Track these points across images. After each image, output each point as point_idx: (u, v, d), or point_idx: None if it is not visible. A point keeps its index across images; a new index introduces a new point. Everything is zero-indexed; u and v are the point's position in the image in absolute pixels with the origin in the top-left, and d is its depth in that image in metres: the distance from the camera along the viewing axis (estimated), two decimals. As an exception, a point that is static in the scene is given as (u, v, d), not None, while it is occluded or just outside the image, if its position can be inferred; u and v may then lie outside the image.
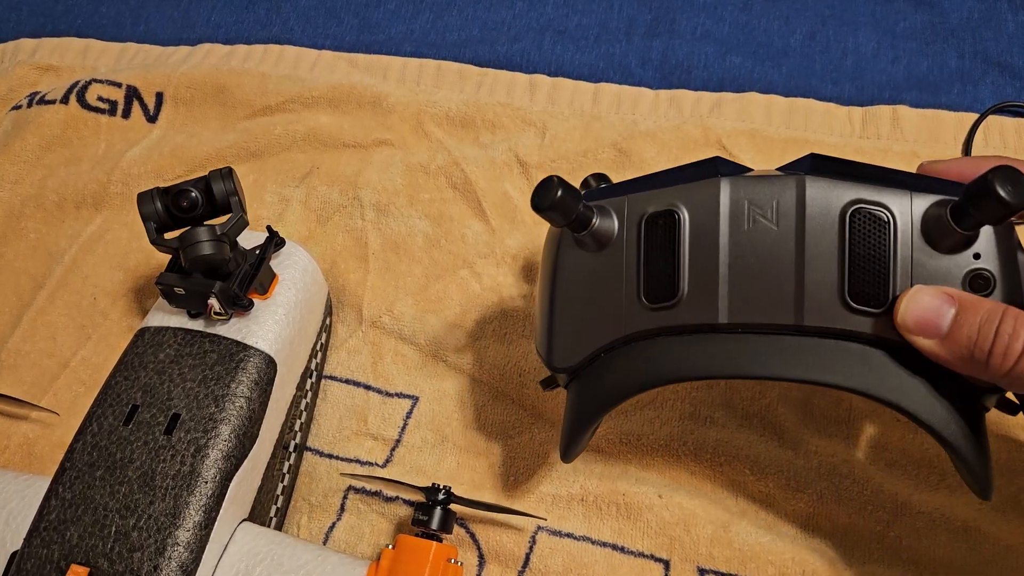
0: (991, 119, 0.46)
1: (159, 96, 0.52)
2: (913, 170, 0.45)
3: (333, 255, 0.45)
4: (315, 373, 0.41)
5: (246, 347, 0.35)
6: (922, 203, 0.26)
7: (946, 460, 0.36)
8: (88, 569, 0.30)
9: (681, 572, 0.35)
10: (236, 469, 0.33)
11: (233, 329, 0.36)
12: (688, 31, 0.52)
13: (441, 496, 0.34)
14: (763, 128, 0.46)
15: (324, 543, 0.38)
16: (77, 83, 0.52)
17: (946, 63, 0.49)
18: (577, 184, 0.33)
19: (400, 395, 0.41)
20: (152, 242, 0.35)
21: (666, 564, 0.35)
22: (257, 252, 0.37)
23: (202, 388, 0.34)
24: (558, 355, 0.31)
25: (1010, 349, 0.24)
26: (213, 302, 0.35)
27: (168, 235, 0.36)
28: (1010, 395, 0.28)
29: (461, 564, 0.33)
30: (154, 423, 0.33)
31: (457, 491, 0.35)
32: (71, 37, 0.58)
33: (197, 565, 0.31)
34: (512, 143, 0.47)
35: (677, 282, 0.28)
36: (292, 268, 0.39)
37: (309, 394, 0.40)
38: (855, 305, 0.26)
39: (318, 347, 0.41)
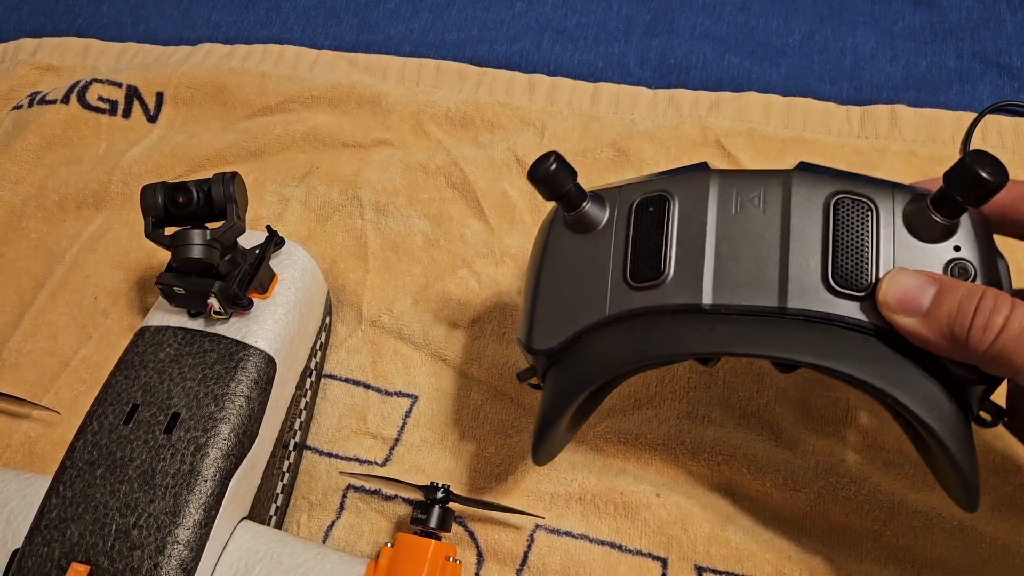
0: (989, 118, 0.46)
1: (159, 96, 0.52)
2: (911, 168, 0.45)
3: (333, 254, 0.45)
4: (315, 372, 0.41)
5: (246, 346, 0.35)
6: (903, 196, 0.27)
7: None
8: (89, 567, 0.30)
9: (679, 570, 0.35)
10: (236, 468, 0.33)
11: (233, 328, 0.36)
12: (687, 30, 0.52)
13: (440, 495, 0.34)
14: (761, 127, 0.46)
15: (323, 541, 0.38)
16: (78, 83, 0.52)
17: (945, 63, 0.49)
18: None
19: (399, 394, 0.41)
20: (147, 235, 0.35)
21: (664, 562, 0.35)
22: (257, 252, 0.37)
23: (202, 387, 0.34)
24: (537, 337, 0.30)
25: (990, 323, 0.24)
26: (213, 302, 0.35)
27: (168, 231, 0.36)
28: (994, 397, 0.28)
29: (460, 562, 0.34)
30: (154, 422, 0.33)
31: (456, 490, 0.35)
32: (72, 37, 0.58)
33: (197, 563, 0.31)
34: (511, 143, 0.47)
35: (663, 261, 0.28)
36: (292, 267, 0.39)
37: (309, 393, 0.40)
38: (838, 288, 0.27)
39: (318, 346, 0.41)
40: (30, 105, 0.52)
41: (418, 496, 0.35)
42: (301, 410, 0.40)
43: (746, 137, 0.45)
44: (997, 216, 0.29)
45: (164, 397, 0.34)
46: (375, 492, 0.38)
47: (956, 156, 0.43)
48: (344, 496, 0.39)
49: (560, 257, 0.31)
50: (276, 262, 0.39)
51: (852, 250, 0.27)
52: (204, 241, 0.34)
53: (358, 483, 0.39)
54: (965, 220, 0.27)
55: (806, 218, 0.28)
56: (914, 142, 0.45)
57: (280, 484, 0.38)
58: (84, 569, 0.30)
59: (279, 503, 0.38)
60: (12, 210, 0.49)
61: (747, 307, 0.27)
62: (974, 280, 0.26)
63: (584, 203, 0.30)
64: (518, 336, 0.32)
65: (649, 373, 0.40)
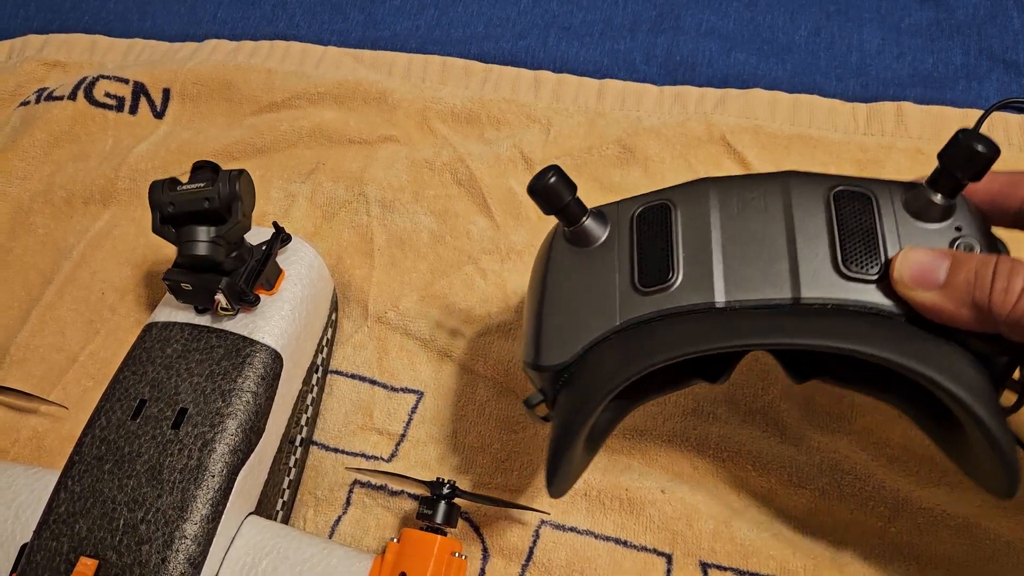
0: (995, 115, 0.45)
1: (166, 92, 0.52)
2: (917, 165, 0.45)
3: (339, 251, 0.45)
4: (321, 368, 0.41)
5: (253, 342, 0.35)
6: (899, 187, 0.28)
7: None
8: (97, 561, 0.30)
9: (683, 566, 0.35)
10: (243, 463, 0.33)
11: (240, 324, 0.36)
12: (693, 27, 0.52)
13: (446, 490, 0.34)
14: (767, 124, 0.46)
15: (330, 536, 0.38)
16: (84, 79, 0.53)
17: (951, 59, 0.49)
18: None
19: (405, 390, 0.41)
20: (154, 230, 0.35)
21: (668, 558, 0.36)
22: (263, 248, 0.37)
23: (209, 383, 0.34)
24: (546, 354, 0.29)
25: (1011, 286, 0.24)
26: (220, 298, 0.35)
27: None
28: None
29: (465, 557, 0.34)
30: (162, 417, 0.33)
31: (461, 485, 0.35)
32: (78, 33, 0.58)
33: (204, 558, 0.31)
34: (517, 139, 0.47)
35: (671, 264, 0.28)
36: (298, 264, 0.39)
37: (315, 389, 0.40)
38: (850, 274, 0.27)
39: (324, 342, 0.41)
40: (37, 101, 0.52)
41: (424, 492, 0.35)
42: (307, 406, 0.40)
43: (752, 134, 0.45)
44: (986, 205, 0.29)
45: (171, 393, 0.34)
46: (381, 487, 0.38)
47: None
48: (350, 491, 0.39)
49: (563, 272, 0.30)
50: (282, 258, 0.39)
51: (859, 236, 0.27)
52: (210, 238, 0.34)
53: (364, 479, 0.39)
54: (961, 203, 0.27)
55: (809, 212, 0.28)
56: (920, 139, 0.45)
57: (287, 479, 0.38)
58: (92, 563, 0.30)
59: (286, 498, 0.38)
60: (20, 206, 0.49)
61: (761, 301, 0.27)
62: None
63: (584, 217, 0.30)
64: (524, 358, 0.31)
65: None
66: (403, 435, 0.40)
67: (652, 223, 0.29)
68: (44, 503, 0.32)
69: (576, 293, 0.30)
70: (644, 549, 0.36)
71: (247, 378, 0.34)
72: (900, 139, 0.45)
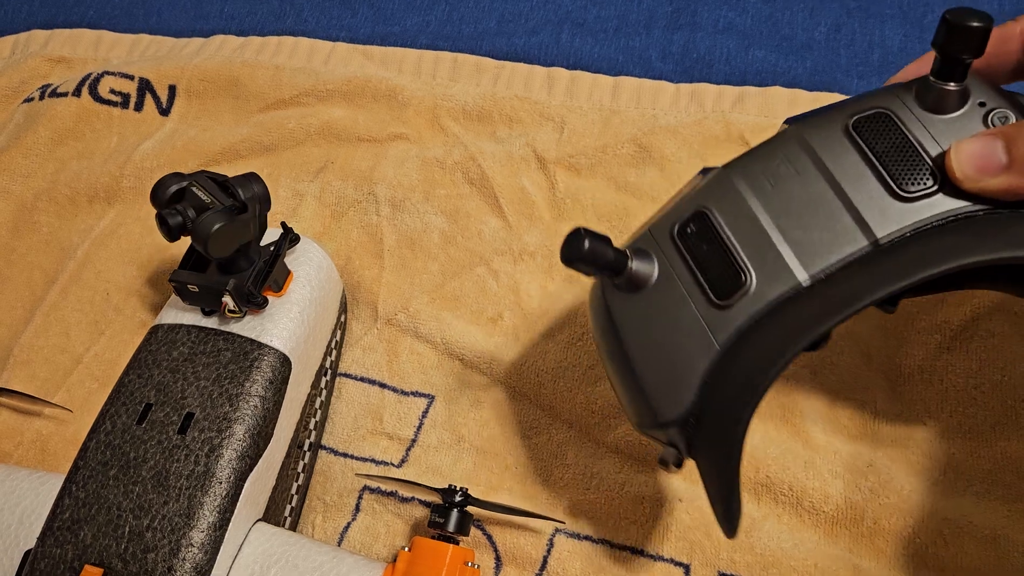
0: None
1: (172, 89, 0.52)
2: None
3: (348, 251, 0.45)
4: (330, 371, 0.40)
5: (260, 345, 0.35)
6: (905, 90, 0.28)
7: (974, 465, 0.35)
8: (102, 570, 0.30)
9: (702, 577, 0.34)
10: (250, 469, 0.33)
11: (247, 327, 0.35)
12: (710, 23, 0.51)
13: (458, 498, 0.34)
14: (786, 123, 0.45)
15: (339, 543, 0.37)
16: (89, 75, 0.52)
17: (975, 57, 0.48)
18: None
19: (416, 394, 0.41)
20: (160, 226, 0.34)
21: (686, 568, 0.35)
22: (271, 248, 0.37)
23: (216, 387, 0.33)
24: (663, 409, 0.28)
25: None
26: (227, 300, 0.34)
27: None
28: None
29: (478, 567, 0.33)
30: (168, 422, 0.33)
31: (473, 492, 0.35)
32: (83, 29, 0.58)
33: (211, 566, 0.30)
34: (530, 138, 0.47)
35: (739, 265, 0.27)
36: (307, 265, 0.38)
37: (324, 392, 0.40)
38: (911, 194, 0.26)
39: (333, 345, 0.41)
40: (41, 98, 0.52)
41: (435, 499, 0.34)
42: (316, 409, 0.39)
43: (772, 133, 0.44)
44: (984, 70, 0.29)
45: (178, 397, 0.33)
46: (391, 494, 0.38)
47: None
48: (360, 497, 0.38)
49: (634, 324, 0.29)
50: (291, 259, 0.38)
51: (898, 156, 0.27)
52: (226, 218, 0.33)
53: (374, 484, 0.38)
54: (971, 79, 0.27)
55: (839, 154, 0.27)
56: (944, 138, 0.44)
57: (295, 485, 0.37)
58: (97, 572, 0.30)
59: (294, 504, 0.38)
60: (23, 204, 0.48)
61: (842, 260, 0.26)
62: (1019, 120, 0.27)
63: (629, 261, 0.28)
64: (637, 424, 0.29)
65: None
66: (414, 440, 0.39)
67: (697, 235, 0.28)
68: (48, 508, 0.32)
69: (659, 338, 0.28)
70: (661, 559, 0.35)
71: (255, 382, 0.34)
72: (923, 138, 0.44)
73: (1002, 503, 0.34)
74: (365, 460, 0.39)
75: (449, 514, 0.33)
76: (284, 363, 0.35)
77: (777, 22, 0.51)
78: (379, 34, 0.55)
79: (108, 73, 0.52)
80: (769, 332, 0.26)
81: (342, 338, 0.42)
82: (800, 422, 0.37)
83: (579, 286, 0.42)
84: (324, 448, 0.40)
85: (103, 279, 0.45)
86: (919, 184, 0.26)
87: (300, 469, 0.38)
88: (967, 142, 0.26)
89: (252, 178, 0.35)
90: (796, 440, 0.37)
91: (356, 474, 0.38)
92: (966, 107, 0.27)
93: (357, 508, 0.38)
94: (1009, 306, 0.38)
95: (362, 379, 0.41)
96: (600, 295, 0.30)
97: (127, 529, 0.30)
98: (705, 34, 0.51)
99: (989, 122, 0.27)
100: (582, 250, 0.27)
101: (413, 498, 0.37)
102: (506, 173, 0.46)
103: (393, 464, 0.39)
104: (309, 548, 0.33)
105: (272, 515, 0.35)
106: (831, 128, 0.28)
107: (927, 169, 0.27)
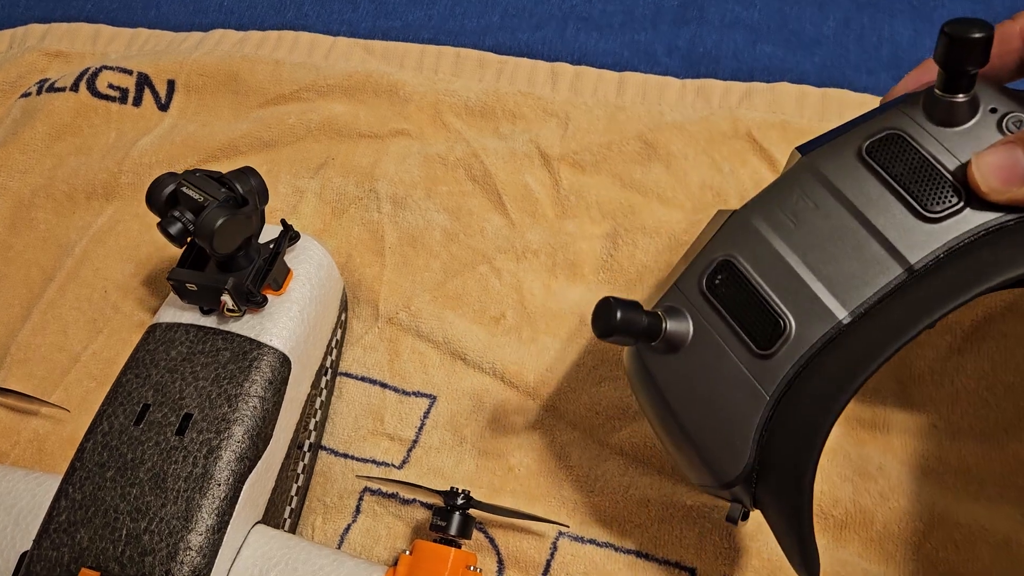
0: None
1: (171, 84, 0.51)
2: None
3: (348, 249, 0.44)
4: (330, 371, 0.40)
5: (260, 345, 0.34)
6: (911, 106, 0.27)
7: (986, 468, 0.35)
8: (99, 573, 0.29)
9: (708, 582, 0.34)
10: (250, 471, 0.32)
11: (246, 326, 0.35)
12: (717, 18, 0.50)
13: (460, 500, 0.33)
14: (795, 120, 0.44)
15: (339, 545, 0.37)
16: (87, 70, 0.51)
17: (987, 52, 0.47)
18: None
19: (417, 394, 0.40)
20: (159, 226, 0.33)
21: (692, 572, 0.34)
22: (271, 246, 0.36)
23: (215, 387, 0.33)
24: (724, 468, 0.27)
25: None
26: (226, 298, 0.34)
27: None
28: None
29: (480, 571, 0.33)
30: (166, 423, 0.32)
31: (476, 494, 0.34)
32: (81, 22, 0.57)
33: (210, 569, 0.30)
34: (533, 134, 0.46)
35: (775, 312, 0.27)
36: (307, 263, 0.38)
37: (324, 392, 0.39)
38: (938, 214, 0.26)
39: (333, 344, 0.40)
40: (39, 93, 0.51)
41: (437, 501, 0.34)
42: (316, 410, 0.38)
43: (779, 130, 0.44)
44: (987, 70, 0.28)
45: (176, 397, 0.33)
46: (392, 495, 0.37)
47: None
48: (360, 499, 0.38)
49: (680, 386, 0.28)
50: (291, 257, 0.38)
51: (918, 175, 0.26)
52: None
53: (375, 486, 0.38)
54: (978, 84, 0.27)
55: (857, 182, 0.27)
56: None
57: (295, 486, 0.37)
58: (94, 575, 0.29)
59: (293, 505, 0.37)
60: (21, 201, 0.48)
61: (879, 291, 0.26)
62: None
63: (664, 323, 0.28)
64: (699, 483, 0.29)
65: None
66: (415, 441, 0.39)
67: (726, 285, 0.28)
68: (45, 510, 0.31)
69: (707, 396, 0.28)
70: (666, 563, 0.35)
71: (254, 382, 0.33)
72: (933, 135, 0.44)
73: (1015, 507, 0.34)
74: (366, 461, 0.39)
75: (451, 517, 0.33)
76: (284, 363, 0.34)
77: (785, 17, 0.50)
78: (380, 28, 0.54)
79: (106, 68, 0.51)
80: (820, 377, 0.26)
81: (343, 337, 0.42)
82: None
83: (583, 285, 0.42)
84: (324, 449, 0.39)
85: (101, 277, 0.45)
86: (944, 203, 0.26)
87: (300, 470, 0.37)
88: (987, 154, 0.25)
89: (248, 172, 0.34)
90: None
91: (357, 475, 0.38)
92: (978, 116, 0.27)
93: (357, 510, 0.37)
94: (1022, 307, 0.37)
95: (363, 379, 0.41)
96: (638, 360, 0.30)
97: (124, 532, 0.30)
98: (712, 29, 0.50)
99: (1004, 128, 0.26)
100: (614, 321, 0.26)
101: (414, 500, 0.37)
102: (509, 170, 0.45)
103: (394, 465, 0.38)
104: (309, 551, 0.32)
105: (271, 517, 0.35)
106: (844, 156, 0.27)
107: (949, 186, 0.26)
